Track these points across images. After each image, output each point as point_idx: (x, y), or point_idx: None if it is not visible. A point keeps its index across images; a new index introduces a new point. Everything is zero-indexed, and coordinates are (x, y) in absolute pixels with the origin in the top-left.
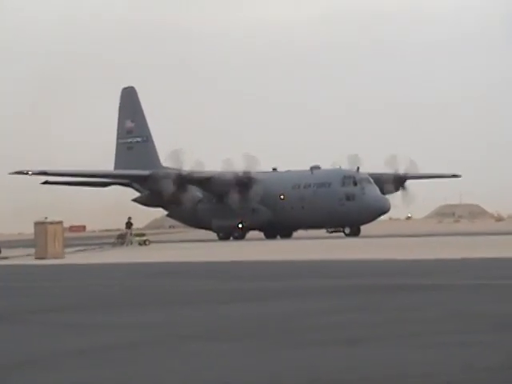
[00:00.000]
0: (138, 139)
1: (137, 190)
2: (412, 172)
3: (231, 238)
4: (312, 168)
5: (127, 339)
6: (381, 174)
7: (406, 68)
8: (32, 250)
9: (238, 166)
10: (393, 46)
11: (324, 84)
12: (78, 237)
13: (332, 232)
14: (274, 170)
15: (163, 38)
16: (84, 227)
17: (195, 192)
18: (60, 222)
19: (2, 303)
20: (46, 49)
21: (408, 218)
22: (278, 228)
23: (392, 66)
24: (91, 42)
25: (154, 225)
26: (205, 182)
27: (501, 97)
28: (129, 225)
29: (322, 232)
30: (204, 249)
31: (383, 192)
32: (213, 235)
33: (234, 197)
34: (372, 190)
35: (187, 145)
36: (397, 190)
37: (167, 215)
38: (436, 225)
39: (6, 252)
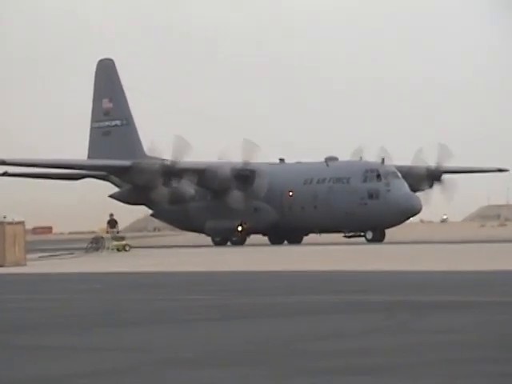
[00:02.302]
0: (117, 122)
1: (115, 183)
2: (449, 165)
3: (228, 243)
4: (327, 159)
5: (102, 365)
6: (410, 167)
7: (443, 47)
8: None
9: (237, 157)
10: (423, 26)
11: (341, 62)
12: (43, 240)
13: (351, 237)
14: (282, 161)
15: (147, 1)
16: (50, 229)
17: (186, 187)
18: (21, 222)
19: None
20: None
21: (443, 220)
22: (286, 231)
23: (425, 46)
24: (62, 5)
25: (136, 227)
26: (198, 175)
27: None
28: (112, 223)
29: (339, 237)
30: (196, 256)
31: (413, 189)
32: (207, 239)
33: (232, 193)
34: (400, 186)
35: (176, 130)
36: (430, 186)
37: (152, 215)
38: (477, 229)
39: None
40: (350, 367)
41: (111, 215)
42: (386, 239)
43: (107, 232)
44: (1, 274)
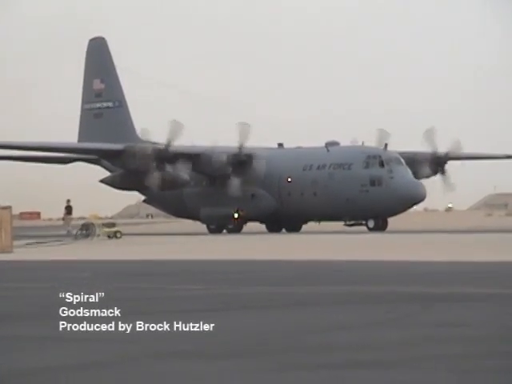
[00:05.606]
0: (109, 104)
1: (106, 168)
2: (454, 151)
3: (224, 231)
4: (328, 144)
5: (91, 357)
6: (415, 154)
7: (455, 32)
8: None
9: (234, 141)
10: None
11: (343, 42)
12: (30, 226)
13: (352, 225)
14: (280, 145)
15: None
16: (38, 214)
17: (181, 172)
18: (8, 208)
19: None
20: None
21: (448, 209)
22: (284, 219)
23: (435, 30)
24: None
25: (128, 213)
26: (193, 160)
27: None
28: (69, 209)
29: (340, 225)
30: (190, 244)
31: (417, 176)
32: (202, 227)
33: (228, 179)
34: (403, 172)
35: (171, 112)
36: (435, 173)
37: (144, 201)
38: (484, 218)
39: None
40: (351, 361)
41: (68, 201)
42: (389, 228)
43: (63, 219)
44: None
